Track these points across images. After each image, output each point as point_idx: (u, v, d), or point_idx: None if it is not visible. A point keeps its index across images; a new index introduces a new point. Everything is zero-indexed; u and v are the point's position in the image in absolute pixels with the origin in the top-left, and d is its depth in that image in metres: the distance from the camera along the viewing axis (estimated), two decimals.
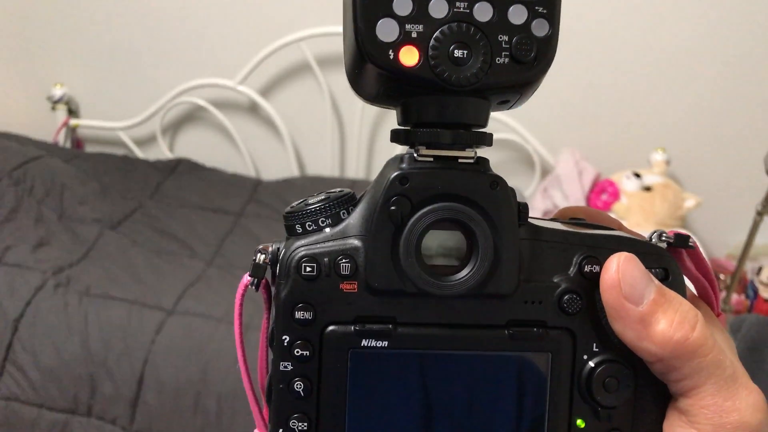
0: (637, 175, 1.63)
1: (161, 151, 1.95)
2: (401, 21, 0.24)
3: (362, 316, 0.27)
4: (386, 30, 0.24)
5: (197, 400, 1.12)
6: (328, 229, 0.27)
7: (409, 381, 0.27)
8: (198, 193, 1.68)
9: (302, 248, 0.27)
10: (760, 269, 1.61)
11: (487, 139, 0.27)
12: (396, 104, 0.27)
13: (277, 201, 1.65)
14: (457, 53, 0.24)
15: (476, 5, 0.24)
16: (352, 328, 0.27)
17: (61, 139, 1.94)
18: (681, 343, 0.25)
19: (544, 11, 0.24)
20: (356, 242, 0.27)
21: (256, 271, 0.28)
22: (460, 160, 0.26)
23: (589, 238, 0.28)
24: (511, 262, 0.27)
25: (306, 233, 0.27)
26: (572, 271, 0.27)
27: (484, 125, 0.27)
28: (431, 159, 0.26)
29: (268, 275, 0.28)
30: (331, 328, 0.27)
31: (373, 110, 1.82)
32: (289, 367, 0.27)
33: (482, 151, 0.27)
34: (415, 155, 0.26)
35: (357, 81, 0.26)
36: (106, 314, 1.19)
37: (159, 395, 1.13)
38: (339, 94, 1.84)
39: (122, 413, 1.13)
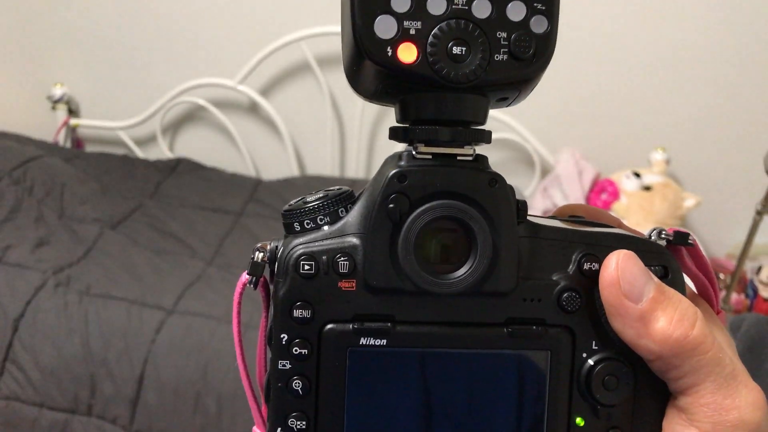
0: (637, 175, 1.63)
1: (161, 151, 1.95)
2: (399, 18, 0.24)
3: (361, 315, 0.27)
4: (384, 27, 0.24)
5: (197, 400, 1.12)
6: (326, 227, 0.27)
7: (408, 379, 0.27)
8: (198, 192, 1.68)
9: (300, 246, 0.27)
10: (759, 269, 1.61)
11: (485, 137, 0.27)
12: (394, 101, 0.27)
13: (277, 201, 1.65)
14: (456, 50, 0.24)
15: (475, 2, 0.24)
16: (351, 326, 0.27)
17: (62, 139, 1.94)
18: (680, 341, 0.25)
19: (543, 8, 0.24)
20: (355, 240, 0.26)
21: (255, 269, 0.28)
22: (458, 158, 0.26)
23: (589, 235, 0.28)
24: (509, 259, 0.26)
25: (304, 231, 0.27)
26: (571, 268, 0.27)
27: (483, 122, 0.27)
28: (430, 156, 0.26)
29: (267, 274, 0.28)
30: (329, 326, 0.27)
31: (373, 110, 1.82)
32: (288, 366, 0.27)
33: (481, 149, 0.27)
34: (414, 153, 0.26)
35: (355, 78, 0.26)
36: (107, 314, 1.19)
37: (159, 395, 1.13)
38: (339, 93, 1.84)
39: (122, 413, 1.13)
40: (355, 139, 1.87)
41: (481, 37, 0.24)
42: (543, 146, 1.75)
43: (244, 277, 0.28)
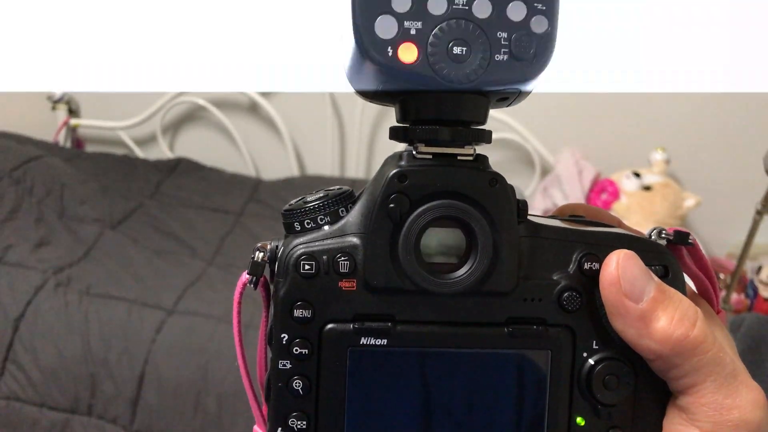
0: (637, 175, 1.63)
1: (161, 151, 1.95)
2: (400, 18, 0.24)
3: (361, 314, 0.27)
4: (385, 27, 0.24)
5: (198, 400, 1.12)
6: (326, 227, 0.27)
7: (409, 379, 0.27)
8: (198, 192, 1.68)
9: (301, 246, 0.27)
10: (759, 268, 1.61)
11: (486, 137, 0.27)
12: (395, 101, 0.27)
13: (277, 201, 1.65)
14: (456, 50, 0.24)
15: (475, 2, 0.24)
16: (351, 326, 0.27)
17: (62, 139, 1.94)
18: (681, 341, 0.25)
19: (543, 8, 0.24)
20: (355, 240, 0.27)
21: (255, 269, 0.28)
22: (459, 158, 0.26)
23: (589, 235, 0.28)
24: (510, 259, 0.26)
25: (304, 231, 0.27)
26: (572, 268, 0.27)
27: (483, 122, 0.27)
28: (430, 156, 0.26)
29: (267, 273, 0.28)
30: (330, 326, 0.27)
31: (373, 110, 1.82)
32: (288, 366, 0.27)
33: (481, 149, 0.27)
34: (414, 152, 0.26)
35: (355, 78, 0.26)
36: (107, 314, 1.19)
37: (159, 394, 1.13)
38: (339, 93, 1.84)
39: (123, 412, 1.13)
40: (355, 139, 1.87)
41: (481, 37, 0.24)
42: (543, 146, 1.75)
43: (245, 276, 0.28)
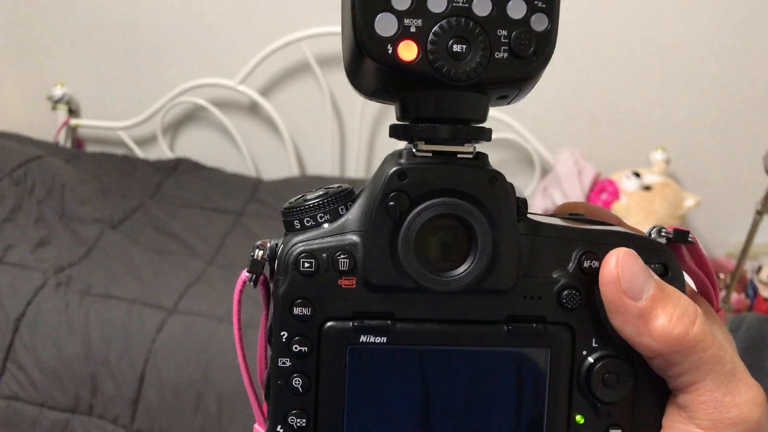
0: (637, 175, 1.63)
1: (162, 151, 1.95)
2: (400, 15, 0.24)
3: (361, 312, 0.27)
4: (385, 24, 0.24)
5: (198, 399, 1.12)
6: (326, 225, 0.27)
7: (408, 377, 0.27)
8: (198, 192, 1.68)
9: (300, 244, 0.27)
10: (759, 268, 1.61)
11: (485, 135, 0.27)
12: (395, 99, 0.27)
13: (277, 201, 1.65)
14: (456, 48, 0.24)
15: (475, 0, 0.24)
16: (351, 324, 0.27)
17: (62, 139, 1.94)
18: (680, 339, 0.25)
19: (543, 6, 0.24)
20: (355, 238, 0.27)
21: (254, 267, 0.28)
22: (458, 156, 0.26)
23: (588, 233, 0.28)
24: (510, 257, 0.26)
25: (304, 229, 0.27)
26: (571, 266, 0.27)
27: (483, 120, 0.27)
28: (430, 154, 0.26)
29: (267, 271, 0.28)
30: (329, 324, 0.27)
31: (373, 110, 1.82)
32: (288, 363, 0.27)
33: (481, 147, 0.27)
34: (414, 150, 0.26)
35: (355, 76, 0.26)
36: (107, 313, 1.19)
37: (160, 394, 1.13)
38: (339, 93, 1.84)
39: (123, 412, 1.13)
40: (355, 139, 1.87)
41: (481, 35, 0.24)
42: (543, 146, 1.75)
43: (244, 274, 0.28)
